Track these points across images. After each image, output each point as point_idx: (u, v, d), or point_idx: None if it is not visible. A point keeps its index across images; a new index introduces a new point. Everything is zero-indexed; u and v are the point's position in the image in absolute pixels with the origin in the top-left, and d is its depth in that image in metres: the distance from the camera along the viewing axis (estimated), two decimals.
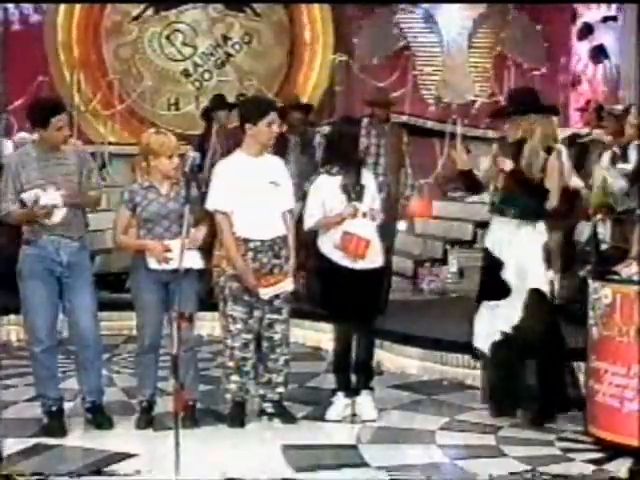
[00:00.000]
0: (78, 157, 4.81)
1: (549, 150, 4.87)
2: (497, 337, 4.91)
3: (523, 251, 4.84)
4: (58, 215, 4.64)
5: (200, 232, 4.79)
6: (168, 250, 4.70)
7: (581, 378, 5.02)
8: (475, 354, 5.15)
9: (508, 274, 4.87)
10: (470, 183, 5.10)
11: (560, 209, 4.98)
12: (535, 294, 4.81)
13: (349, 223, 4.87)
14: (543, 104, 5.16)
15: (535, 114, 4.88)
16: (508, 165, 4.85)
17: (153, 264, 4.75)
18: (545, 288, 4.83)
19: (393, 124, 7.35)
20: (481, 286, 5.09)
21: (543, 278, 4.83)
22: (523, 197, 4.85)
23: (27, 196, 4.62)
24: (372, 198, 5.03)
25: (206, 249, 5.54)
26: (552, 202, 4.86)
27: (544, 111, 5.02)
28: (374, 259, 4.99)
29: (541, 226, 4.88)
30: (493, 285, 4.92)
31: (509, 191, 4.88)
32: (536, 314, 4.81)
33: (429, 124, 10.83)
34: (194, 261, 4.71)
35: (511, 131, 4.94)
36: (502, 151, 4.98)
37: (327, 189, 4.95)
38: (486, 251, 5.02)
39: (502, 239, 4.91)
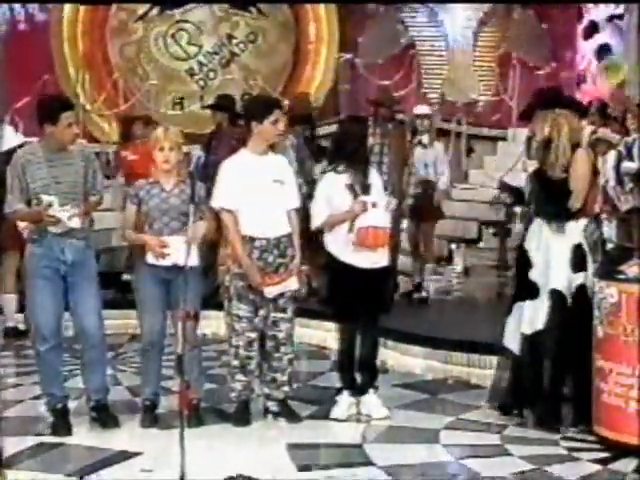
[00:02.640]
0: (84, 157, 4.81)
1: (573, 149, 4.78)
2: (520, 338, 4.87)
3: (550, 252, 4.78)
4: (62, 227, 4.64)
5: (199, 229, 4.77)
6: (164, 246, 4.70)
7: None
8: (505, 354, 5.09)
9: (535, 275, 4.84)
10: None
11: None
12: (555, 295, 4.76)
13: (361, 218, 4.85)
14: (569, 99, 5.07)
15: (560, 109, 4.81)
16: (531, 166, 4.82)
17: (151, 259, 4.78)
18: (565, 290, 4.75)
19: (397, 123, 7.34)
20: (516, 287, 5.06)
21: (564, 280, 4.76)
22: (546, 198, 4.81)
23: (45, 199, 4.63)
24: (377, 196, 5.01)
25: (211, 247, 5.55)
26: (575, 204, 4.76)
27: (571, 106, 4.97)
28: (380, 258, 4.98)
29: (571, 227, 4.78)
30: (524, 286, 4.89)
31: (534, 192, 4.86)
32: (556, 316, 4.76)
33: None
34: (188, 259, 4.66)
35: (537, 129, 4.89)
36: (528, 153, 4.95)
37: (334, 187, 4.94)
38: (523, 251, 4.95)
39: (534, 239, 4.86)
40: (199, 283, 4.86)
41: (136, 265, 4.95)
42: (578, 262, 4.77)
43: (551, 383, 4.78)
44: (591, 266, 4.78)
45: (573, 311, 4.77)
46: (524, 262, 4.91)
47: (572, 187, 4.75)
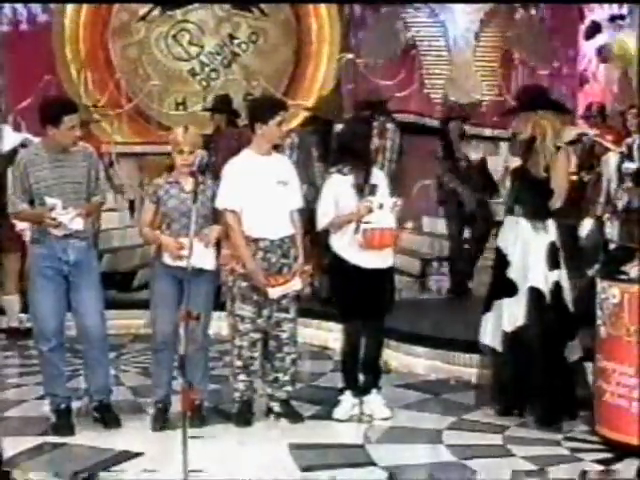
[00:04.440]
0: (87, 159, 4.81)
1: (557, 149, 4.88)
2: (500, 337, 4.91)
3: (527, 250, 4.84)
4: (64, 230, 4.64)
5: (213, 231, 4.77)
6: (181, 248, 4.70)
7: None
8: (481, 351, 5.13)
9: (513, 273, 4.88)
10: None
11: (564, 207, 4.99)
12: (534, 293, 4.81)
13: (367, 219, 4.84)
14: (553, 100, 5.17)
15: (544, 110, 4.88)
16: (514, 163, 4.86)
17: (167, 260, 4.77)
18: (543, 287, 4.81)
19: (381, 122, 7.31)
20: (491, 285, 5.11)
21: (542, 277, 4.82)
22: (528, 196, 4.86)
23: (48, 201, 4.63)
24: (383, 197, 5.01)
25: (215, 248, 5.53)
26: (556, 203, 4.86)
27: (554, 108, 5.02)
28: (386, 258, 4.99)
29: (548, 225, 4.87)
30: (501, 284, 4.93)
31: (515, 189, 4.89)
32: (535, 313, 4.81)
33: (436, 123, 10.79)
34: (205, 261, 4.67)
35: (521, 128, 4.93)
36: (511, 149, 4.99)
37: (340, 188, 4.94)
38: (497, 250, 5.02)
39: (510, 237, 4.92)
40: (213, 286, 4.85)
41: (152, 265, 4.93)
42: (554, 259, 4.83)
43: (538, 380, 4.80)
44: (563, 264, 4.86)
45: (550, 308, 4.83)
46: (501, 260, 4.94)
47: (554, 186, 4.82)
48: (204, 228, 4.72)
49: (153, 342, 4.94)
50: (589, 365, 4.96)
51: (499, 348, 4.95)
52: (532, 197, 4.86)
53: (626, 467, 4.26)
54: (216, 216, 4.81)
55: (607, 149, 6.94)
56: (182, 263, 4.66)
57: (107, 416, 4.86)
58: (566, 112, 5.33)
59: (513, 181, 4.90)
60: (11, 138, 7.09)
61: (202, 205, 4.70)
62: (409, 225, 8.11)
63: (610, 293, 4.50)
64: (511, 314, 4.87)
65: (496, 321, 4.95)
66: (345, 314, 5.12)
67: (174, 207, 4.80)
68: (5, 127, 7.68)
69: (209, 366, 5.07)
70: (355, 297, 4.94)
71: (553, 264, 4.85)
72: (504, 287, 4.91)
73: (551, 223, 4.88)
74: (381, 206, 4.85)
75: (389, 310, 5.10)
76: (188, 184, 4.82)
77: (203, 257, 4.61)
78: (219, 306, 5.32)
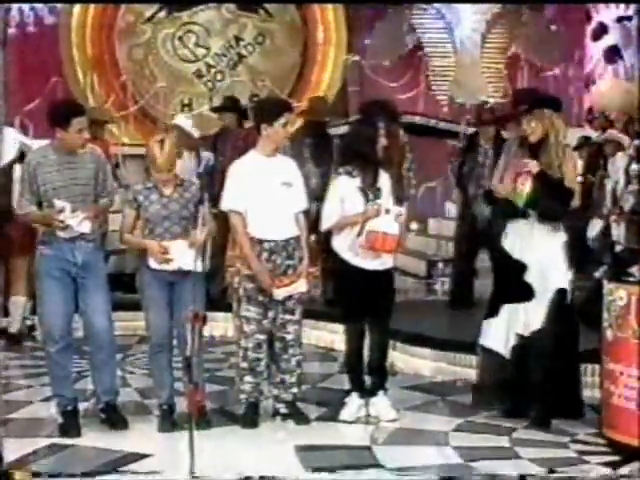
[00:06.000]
0: (95, 161, 4.82)
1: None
2: (514, 340, 4.90)
3: (545, 253, 4.82)
4: (72, 233, 4.65)
5: (201, 233, 4.74)
6: (166, 251, 4.70)
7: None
8: (480, 351, 5.12)
9: (531, 277, 4.85)
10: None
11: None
12: (559, 294, 4.81)
13: (371, 221, 4.85)
14: (556, 98, 5.19)
15: (548, 108, 4.87)
16: (535, 167, 4.80)
17: (153, 264, 4.76)
18: (568, 288, 4.83)
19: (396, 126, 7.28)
20: (498, 288, 5.07)
21: (566, 278, 4.82)
22: (548, 198, 4.80)
23: (57, 203, 4.63)
24: (388, 199, 5.01)
25: (219, 249, 5.54)
26: (575, 202, 4.86)
27: (558, 106, 5.01)
28: (387, 259, 4.99)
29: (560, 226, 4.86)
30: (512, 287, 4.90)
31: (536, 193, 4.81)
32: (557, 314, 4.80)
33: (442, 125, 10.78)
34: (191, 262, 4.57)
35: (533, 128, 4.86)
36: (522, 153, 4.92)
37: (346, 190, 4.94)
38: (504, 253, 4.97)
39: (523, 241, 4.87)
40: (202, 287, 4.84)
41: (140, 270, 4.93)
42: (570, 258, 4.84)
43: (552, 381, 4.80)
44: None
45: (570, 307, 4.86)
46: (509, 263, 4.91)
47: (570, 186, 4.81)
48: (187, 230, 4.71)
49: (149, 346, 4.94)
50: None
51: (504, 351, 4.93)
52: (552, 199, 4.81)
53: (634, 470, 4.25)
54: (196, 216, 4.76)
55: (619, 147, 6.92)
56: (168, 266, 4.69)
57: (114, 417, 4.86)
58: (559, 108, 5.30)
59: (533, 185, 4.80)
60: (12, 144, 7.09)
61: (182, 207, 4.71)
62: (414, 227, 8.09)
63: (617, 295, 4.49)
64: (528, 317, 4.84)
65: (505, 325, 4.92)
66: (346, 315, 5.12)
67: (156, 212, 4.79)
68: (7, 131, 7.68)
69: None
70: (355, 298, 4.94)
71: (570, 263, 4.85)
72: (519, 291, 4.86)
73: (560, 223, 4.87)
74: (388, 211, 4.86)
75: (389, 311, 5.09)
76: (167, 188, 4.82)
77: (189, 259, 4.57)
78: (224, 307, 5.34)
